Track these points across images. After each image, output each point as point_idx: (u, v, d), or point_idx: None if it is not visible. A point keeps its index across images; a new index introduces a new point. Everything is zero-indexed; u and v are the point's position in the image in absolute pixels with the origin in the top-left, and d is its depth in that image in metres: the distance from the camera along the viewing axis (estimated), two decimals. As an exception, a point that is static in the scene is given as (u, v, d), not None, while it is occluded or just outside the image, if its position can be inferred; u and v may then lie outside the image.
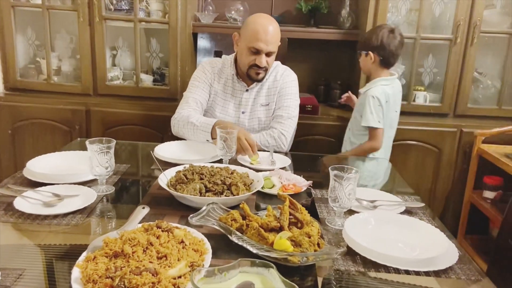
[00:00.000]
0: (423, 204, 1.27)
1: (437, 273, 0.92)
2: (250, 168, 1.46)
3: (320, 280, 0.90)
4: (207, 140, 1.73)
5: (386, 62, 2.03)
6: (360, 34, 2.57)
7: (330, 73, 2.90)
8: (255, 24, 1.74)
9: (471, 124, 2.44)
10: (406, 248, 1.02)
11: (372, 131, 2.00)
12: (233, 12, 2.77)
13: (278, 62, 1.93)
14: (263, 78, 1.83)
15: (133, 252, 0.79)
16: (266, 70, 1.80)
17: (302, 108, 2.34)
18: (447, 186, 2.51)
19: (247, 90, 1.86)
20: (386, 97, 2.00)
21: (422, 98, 2.52)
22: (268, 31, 1.72)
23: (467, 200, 2.43)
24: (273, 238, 0.95)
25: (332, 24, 2.76)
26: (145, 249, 0.81)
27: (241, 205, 1.05)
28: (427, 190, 2.53)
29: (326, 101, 2.81)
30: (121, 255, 0.80)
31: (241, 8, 2.78)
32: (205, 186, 1.19)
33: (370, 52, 2.02)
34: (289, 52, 2.68)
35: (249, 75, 1.80)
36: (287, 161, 1.61)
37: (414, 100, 2.52)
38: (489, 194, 2.28)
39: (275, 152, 1.68)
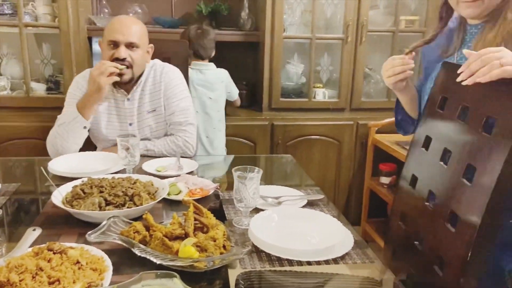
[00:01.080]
0: (323, 196, 1.34)
1: (335, 260, 0.98)
2: (155, 175, 1.43)
3: (232, 282, 0.91)
4: (85, 127, 1.66)
5: (197, 54, 2.35)
6: (260, 35, 2.64)
7: (235, 74, 2.93)
8: (111, 21, 1.71)
9: (366, 116, 2.64)
10: (307, 240, 1.07)
11: None
12: (131, 14, 2.68)
13: (156, 60, 1.82)
14: (130, 79, 1.69)
15: (20, 280, 0.73)
16: (131, 66, 1.67)
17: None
18: (349, 175, 2.69)
19: (128, 99, 1.75)
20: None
21: (321, 95, 2.67)
22: (124, 23, 1.67)
23: (367, 187, 2.64)
24: (178, 246, 0.94)
25: (233, 26, 2.81)
26: (34, 276, 0.74)
27: (144, 216, 1.02)
28: (332, 181, 2.69)
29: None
30: (7, 285, 0.73)
31: (139, 10, 2.70)
32: (105, 200, 1.13)
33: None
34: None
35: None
36: (194, 165, 1.60)
37: (314, 97, 2.66)
38: (385, 180, 2.49)
39: (182, 157, 1.66)
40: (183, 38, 2.35)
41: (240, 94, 2.81)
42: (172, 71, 1.81)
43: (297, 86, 2.74)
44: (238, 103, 2.60)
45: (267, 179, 1.58)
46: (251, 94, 2.84)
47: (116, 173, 1.43)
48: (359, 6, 2.52)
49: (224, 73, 2.44)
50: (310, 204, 1.30)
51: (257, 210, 1.19)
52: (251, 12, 2.73)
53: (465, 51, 1.00)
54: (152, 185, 1.26)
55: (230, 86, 2.49)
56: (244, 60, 2.95)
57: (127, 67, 1.66)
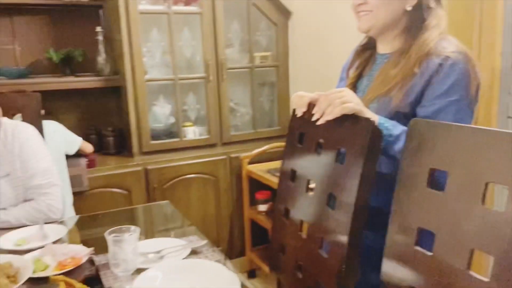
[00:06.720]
0: (205, 241, 1.34)
1: (225, 309, 0.98)
2: (15, 252, 1.26)
3: None
4: None
5: None
6: (120, 80, 2.57)
7: (100, 120, 2.80)
8: None
9: (236, 149, 2.74)
10: (196, 292, 1.05)
11: None
12: (-35, 67, 2.36)
13: (4, 119, 1.63)
14: None
15: None
16: None
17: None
18: (228, 208, 2.74)
19: None
20: None
21: (192, 133, 2.69)
22: None
23: (247, 217, 2.71)
24: (52, 335, 0.84)
25: (91, 71, 2.68)
26: None
27: (4, 308, 0.88)
28: (213, 216, 2.70)
29: (101, 150, 2.69)
30: None
31: (-24, 62, 2.40)
32: (-49, 297, 0.96)
33: None
34: (48, 106, 2.45)
35: None
36: (62, 230, 1.45)
37: (185, 136, 2.67)
38: (262, 208, 2.60)
39: (47, 223, 1.50)
40: None
41: (106, 141, 2.68)
42: (25, 130, 1.64)
43: (166, 127, 2.71)
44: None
45: (146, 232, 1.52)
46: (120, 140, 2.72)
47: (-37, 258, 1.22)
48: (215, 46, 2.63)
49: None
50: (194, 252, 1.29)
51: (138, 271, 1.13)
52: (109, 56, 2.65)
53: (316, 93, 1.11)
54: (11, 266, 1.10)
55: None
56: (107, 106, 2.83)
57: None
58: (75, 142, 2.34)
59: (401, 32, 1.15)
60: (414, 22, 1.13)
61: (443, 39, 1.10)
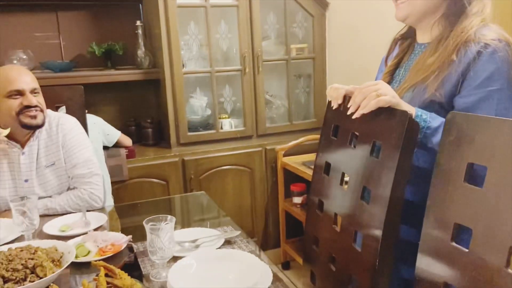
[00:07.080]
0: (239, 232, 1.36)
1: (257, 299, 1.00)
2: (59, 237, 1.33)
3: None
4: None
5: None
6: (159, 72, 2.63)
7: (139, 112, 2.88)
8: (3, 73, 1.60)
9: (272, 141, 2.74)
10: (227, 282, 1.07)
11: None
12: (14, 61, 2.49)
13: (48, 111, 1.71)
14: (43, 122, 1.63)
15: None
16: (42, 110, 1.62)
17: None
18: (264, 200, 2.76)
19: (23, 153, 1.63)
20: None
21: (228, 125, 2.72)
22: (21, 71, 1.62)
23: (281, 208, 2.72)
24: (92, 316, 0.88)
25: (131, 64, 2.76)
26: None
27: (49, 289, 0.94)
28: (248, 208, 2.73)
29: (140, 141, 2.77)
30: None
31: (24, 56, 2.53)
32: (3, 277, 1.02)
33: None
34: (90, 99, 2.54)
35: (25, 125, 1.59)
36: (102, 218, 1.52)
37: (221, 128, 2.70)
38: (297, 200, 2.60)
39: (88, 211, 1.57)
40: None
41: (146, 132, 2.76)
42: (69, 121, 1.73)
43: (203, 119, 2.76)
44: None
45: (183, 222, 1.56)
46: (158, 131, 2.79)
47: (12, 242, 1.30)
48: (252, 38, 2.64)
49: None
50: (228, 242, 1.31)
51: (175, 259, 1.17)
52: (148, 50, 2.71)
53: (351, 86, 1.09)
54: (56, 250, 1.17)
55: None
56: (146, 98, 2.90)
57: (40, 110, 1.62)
58: (113, 135, 2.43)
59: (439, 19, 1.11)
60: (454, 8, 1.09)
61: (484, 26, 1.05)
